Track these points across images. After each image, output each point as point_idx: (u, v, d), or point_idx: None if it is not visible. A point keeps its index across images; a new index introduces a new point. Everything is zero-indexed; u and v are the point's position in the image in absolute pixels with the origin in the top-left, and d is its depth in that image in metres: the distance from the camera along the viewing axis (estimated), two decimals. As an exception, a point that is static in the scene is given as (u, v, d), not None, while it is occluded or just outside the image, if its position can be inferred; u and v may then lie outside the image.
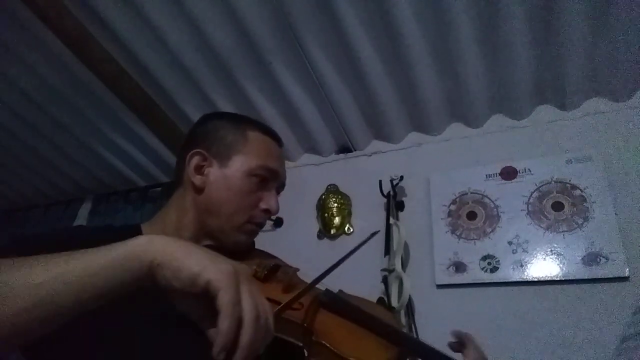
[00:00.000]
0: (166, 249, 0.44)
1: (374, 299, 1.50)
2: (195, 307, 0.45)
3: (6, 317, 0.39)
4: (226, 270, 0.43)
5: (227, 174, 0.71)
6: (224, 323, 0.41)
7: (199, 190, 0.72)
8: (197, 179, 0.71)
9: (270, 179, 0.74)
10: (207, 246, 0.71)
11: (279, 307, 0.55)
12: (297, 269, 0.77)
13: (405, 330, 1.48)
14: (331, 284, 0.69)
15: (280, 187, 0.78)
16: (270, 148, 0.76)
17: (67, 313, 0.41)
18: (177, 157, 0.78)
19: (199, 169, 0.72)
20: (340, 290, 0.76)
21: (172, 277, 0.43)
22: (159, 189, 2.39)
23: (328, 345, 0.59)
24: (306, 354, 0.60)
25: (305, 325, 0.60)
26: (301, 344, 0.59)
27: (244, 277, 0.45)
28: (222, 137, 0.74)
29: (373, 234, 0.77)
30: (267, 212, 0.74)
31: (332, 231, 1.77)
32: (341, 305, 0.68)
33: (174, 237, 0.47)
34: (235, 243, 0.72)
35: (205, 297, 0.43)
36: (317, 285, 0.68)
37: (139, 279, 0.43)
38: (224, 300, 0.41)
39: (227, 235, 0.71)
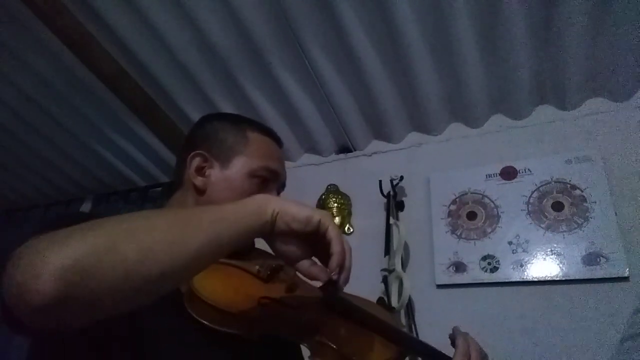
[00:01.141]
0: (281, 203, 0.55)
1: (374, 299, 1.50)
2: (297, 246, 0.56)
3: (195, 243, 0.45)
4: (327, 214, 0.56)
5: (228, 175, 0.72)
6: (338, 246, 0.54)
7: (200, 191, 0.72)
8: (199, 181, 0.72)
9: (271, 179, 0.74)
10: None
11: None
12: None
13: (405, 329, 1.48)
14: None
15: (280, 188, 0.78)
16: (270, 149, 0.77)
17: (219, 254, 0.49)
18: (177, 158, 0.79)
19: (200, 171, 0.73)
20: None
21: (292, 220, 0.53)
22: (159, 189, 2.39)
23: (331, 344, 0.59)
24: (310, 354, 0.60)
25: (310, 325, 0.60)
26: (305, 344, 0.60)
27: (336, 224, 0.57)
28: (222, 138, 0.74)
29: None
30: None
31: (332, 231, 1.77)
32: (343, 305, 0.69)
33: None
34: None
35: (306, 239, 0.55)
36: (317, 285, 0.68)
37: (264, 225, 0.53)
38: (334, 232, 0.55)
39: None
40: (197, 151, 0.73)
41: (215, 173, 0.72)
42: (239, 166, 0.72)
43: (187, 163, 0.73)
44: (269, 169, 0.74)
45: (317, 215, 0.55)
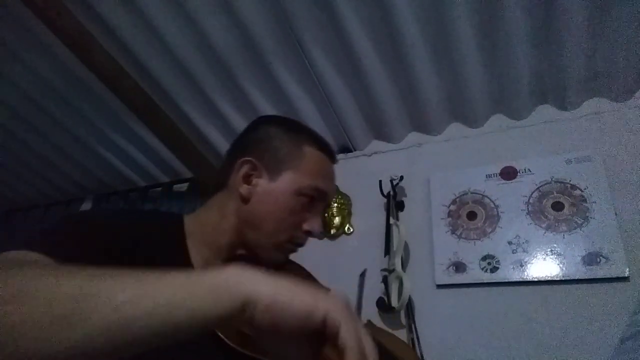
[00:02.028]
0: (264, 285, 0.38)
1: (374, 299, 1.50)
2: (295, 346, 0.40)
3: (77, 338, 0.32)
4: (340, 303, 0.39)
5: (274, 189, 0.68)
6: None
7: (244, 199, 0.69)
8: (244, 189, 0.69)
9: (318, 199, 0.71)
10: (240, 255, 0.68)
11: None
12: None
13: (404, 330, 1.48)
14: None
15: (325, 207, 0.75)
16: (324, 167, 0.73)
17: (137, 345, 0.34)
18: (225, 158, 0.75)
19: (247, 178, 0.69)
20: (369, 321, 0.75)
21: (282, 314, 0.37)
22: (159, 189, 2.39)
23: None
24: None
25: None
26: None
27: (352, 310, 0.40)
28: (276, 147, 0.71)
29: (363, 274, 0.75)
30: (309, 234, 0.71)
31: (332, 231, 1.77)
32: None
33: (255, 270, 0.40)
34: (270, 259, 0.69)
35: (307, 337, 0.38)
36: None
37: (227, 314, 0.36)
38: (348, 335, 0.37)
39: (264, 250, 0.68)
40: (247, 158, 0.70)
41: (262, 183, 0.69)
42: (288, 181, 0.68)
43: (235, 167, 0.70)
44: (318, 189, 0.70)
45: (322, 306, 0.37)
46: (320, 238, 0.73)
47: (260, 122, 0.77)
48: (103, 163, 2.29)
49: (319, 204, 0.72)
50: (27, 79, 1.82)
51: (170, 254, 0.63)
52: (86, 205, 2.62)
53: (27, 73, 1.79)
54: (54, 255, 0.46)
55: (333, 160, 0.76)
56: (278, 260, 0.70)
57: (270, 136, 0.72)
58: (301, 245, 0.72)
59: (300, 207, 0.69)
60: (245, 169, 0.69)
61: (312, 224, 0.70)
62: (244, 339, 0.55)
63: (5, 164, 2.44)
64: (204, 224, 0.70)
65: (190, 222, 0.69)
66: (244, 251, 0.69)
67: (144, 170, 2.32)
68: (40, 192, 2.69)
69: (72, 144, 2.19)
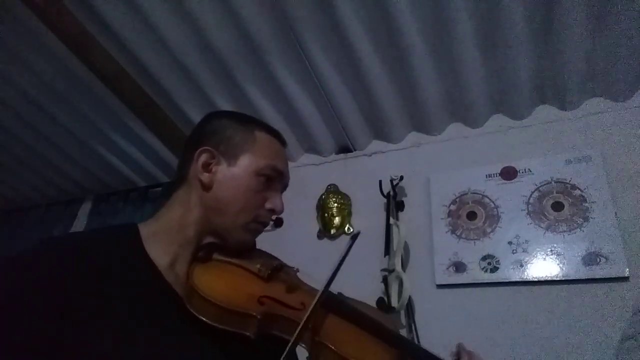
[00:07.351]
0: None
1: (374, 299, 1.50)
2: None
3: None
4: None
5: (235, 173, 0.72)
6: None
7: (206, 187, 0.72)
8: (205, 177, 0.72)
9: (276, 179, 0.75)
10: (210, 243, 0.70)
11: (300, 326, 0.58)
12: (297, 270, 0.78)
13: (404, 330, 1.48)
14: (332, 285, 0.69)
15: (283, 188, 0.79)
16: (277, 149, 0.77)
17: None
18: (182, 154, 0.78)
19: (207, 167, 0.73)
20: (340, 293, 0.76)
21: None
22: (159, 189, 2.39)
23: (330, 346, 0.59)
24: (308, 354, 0.60)
25: (309, 326, 0.60)
26: (303, 344, 0.60)
27: None
28: (230, 136, 0.74)
29: (355, 236, 0.78)
30: (272, 212, 0.74)
31: (332, 231, 1.77)
32: (342, 307, 0.69)
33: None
34: (239, 241, 0.73)
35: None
36: (317, 287, 0.68)
37: None
38: None
39: (232, 233, 0.71)
40: (205, 147, 0.73)
41: (221, 170, 0.72)
42: (246, 164, 0.72)
43: (194, 158, 0.73)
44: (275, 169, 0.74)
45: None
46: (280, 213, 0.76)
47: (211, 116, 0.81)
48: (103, 163, 2.29)
49: (277, 184, 0.76)
50: (27, 79, 1.82)
51: (129, 266, 0.62)
52: (86, 205, 2.62)
53: (27, 73, 1.79)
54: None
55: (284, 144, 0.80)
56: (247, 241, 0.74)
57: (223, 126, 0.76)
58: (266, 224, 0.75)
59: (261, 187, 0.73)
60: (204, 157, 0.73)
61: (274, 202, 0.74)
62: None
63: (5, 164, 2.44)
64: (168, 223, 0.71)
65: (148, 227, 0.70)
66: (212, 239, 0.72)
67: (144, 170, 2.32)
68: (40, 192, 2.69)
69: (72, 144, 2.19)
